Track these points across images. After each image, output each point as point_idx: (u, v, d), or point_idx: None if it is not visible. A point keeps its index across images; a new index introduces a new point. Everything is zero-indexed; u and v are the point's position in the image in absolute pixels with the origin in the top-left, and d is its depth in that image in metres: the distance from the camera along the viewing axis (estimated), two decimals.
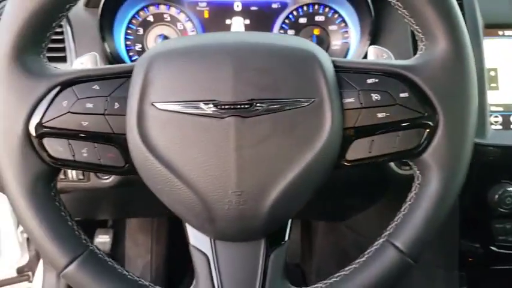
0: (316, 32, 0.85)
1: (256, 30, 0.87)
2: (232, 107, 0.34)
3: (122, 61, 0.79)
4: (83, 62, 0.49)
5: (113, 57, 0.77)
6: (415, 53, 0.41)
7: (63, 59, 0.76)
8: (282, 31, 0.86)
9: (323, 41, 0.84)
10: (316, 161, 0.35)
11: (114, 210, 1.10)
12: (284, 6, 0.87)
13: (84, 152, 0.36)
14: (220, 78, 0.34)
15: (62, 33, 0.76)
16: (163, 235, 1.20)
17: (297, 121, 0.35)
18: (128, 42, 0.85)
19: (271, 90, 0.35)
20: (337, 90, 0.36)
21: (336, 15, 0.85)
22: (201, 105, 0.34)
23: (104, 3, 0.76)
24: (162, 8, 0.85)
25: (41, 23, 0.36)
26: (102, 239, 1.04)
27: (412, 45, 0.75)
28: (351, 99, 0.37)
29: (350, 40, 0.85)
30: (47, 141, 0.36)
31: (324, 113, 0.35)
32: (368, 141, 0.37)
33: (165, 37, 0.84)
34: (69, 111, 0.36)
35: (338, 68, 0.37)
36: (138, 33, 0.85)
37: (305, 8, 0.85)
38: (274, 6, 0.87)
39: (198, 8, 0.86)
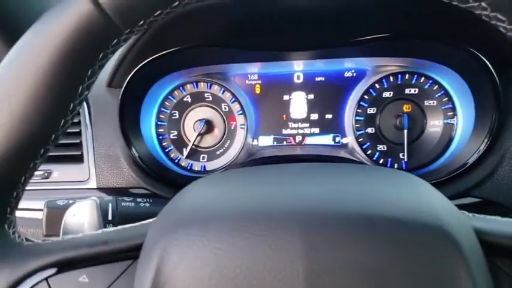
0: (407, 108, 0.63)
1: (323, 107, 0.66)
2: None
3: (154, 160, 0.62)
4: (76, 213, 0.36)
5: (142, 161, 0.59)
6: None
7: (79, 159, 0.60)
8: (359, 110, 0.64)
9: (416, 123, 0.62)
10: None
11: None
12: (361, 75, 0.65)
13: None
14: (281, 280, 0.20)
15: (78, 123, 0.60)
16: None
17: None
18: (160, 130, 0.67)
19: None
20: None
21: (436, 87, 0.62)
22: None
23: (126, 86, 0.58)
24: (202, 86, 0.67)
25: (7, 176, 0.24)
26: None
27: None
28: None
29: (457, 121, 0.61)
30: None
31: None
32: None
33: (207, 122, 0.66)
34: None
35: (490, 249, 0.23)
36: (173, 117, 0.67)
37: (391, 78, 0.63)
38: (348, 75, 0.66)
39: (247, 82, 0.67)
